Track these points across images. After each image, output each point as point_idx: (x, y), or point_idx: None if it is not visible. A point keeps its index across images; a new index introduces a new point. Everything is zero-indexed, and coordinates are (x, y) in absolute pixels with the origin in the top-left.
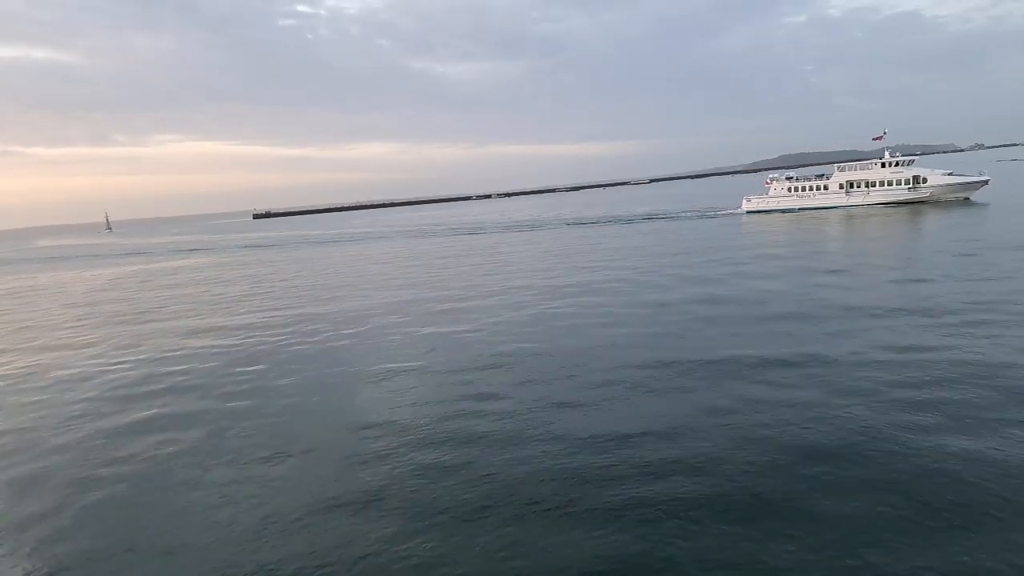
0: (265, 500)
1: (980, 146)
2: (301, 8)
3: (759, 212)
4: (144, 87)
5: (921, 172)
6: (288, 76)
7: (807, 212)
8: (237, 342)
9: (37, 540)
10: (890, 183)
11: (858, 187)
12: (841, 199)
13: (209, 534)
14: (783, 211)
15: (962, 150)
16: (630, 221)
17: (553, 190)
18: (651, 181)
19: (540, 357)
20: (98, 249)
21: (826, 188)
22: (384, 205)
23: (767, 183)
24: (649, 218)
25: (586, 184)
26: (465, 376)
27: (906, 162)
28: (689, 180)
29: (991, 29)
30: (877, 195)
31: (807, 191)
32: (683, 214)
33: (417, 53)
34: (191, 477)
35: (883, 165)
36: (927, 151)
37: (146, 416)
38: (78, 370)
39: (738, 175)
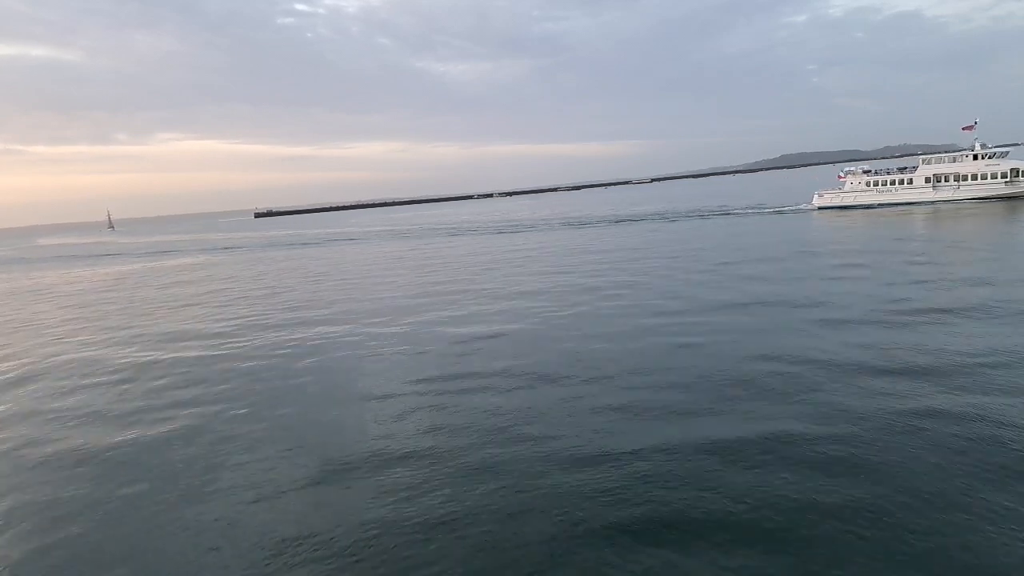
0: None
1: (983, 145)
2: (299, 7)
3: (832, 208)
4: (145, 86)
5: (1019, 164)
6: (288, 75)
7: (887, 208)
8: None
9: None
10: (983, 177)
11: (946, 181)
12: (927, 194)
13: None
14: (860, 207)
15: (963, 149)
16: (701, 217)
17: (555, 189)
18: (652, 180)
19: None
20: (103, 248)
21: (910, 182)
22: (386, 204)
23: (840, 177)
24: (717, 214)
25: (587, 183)
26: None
27: (1001, 153)
28: (691, 180)
29: (992, 29)
30: (969, 190)
31: (888, 185)
32: (748, 210)
33: (418, 52)
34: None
35: (975, 157)
36: (928, 150)
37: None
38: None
39: (738, 174)
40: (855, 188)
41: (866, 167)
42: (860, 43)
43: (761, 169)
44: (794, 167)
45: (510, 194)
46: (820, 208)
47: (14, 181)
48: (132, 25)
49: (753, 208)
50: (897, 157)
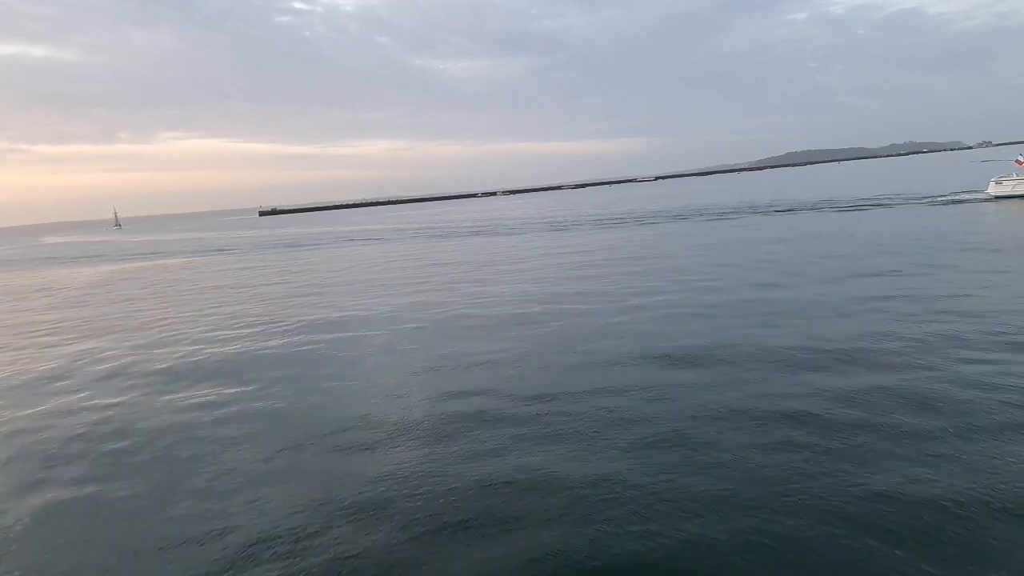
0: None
1: (988, 143)
2: (297, 5)
3: (1016, 197)
4: (145, 84)
5: None
6: (289, 73)
7: None
8: None
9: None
10: None
11: None
12: None
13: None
14: None
15: (970, 147)
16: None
17: (559, 187)
18: (656, 179)
19: None
20: (117, 247)
21: None
22: (391, 202)
23: (1019, 162)
24: (878, 204)
25: (590, 182)
26: None
27: None
28: (694, 177)
29: (996, 26)
30: None
31: None
32: (903, 201)
33: (417, 50)
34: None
35: None
36: (933, 148)
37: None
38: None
39: (743, 172)
40: None
41: None
42: (862, 41)
43: (767, 167)
44: (800, 165)
45: (513, 192)
46: (998, 197)
47: (18, 180)
48: (129, 22)
49: (916, 197)
50: (902, 155)
